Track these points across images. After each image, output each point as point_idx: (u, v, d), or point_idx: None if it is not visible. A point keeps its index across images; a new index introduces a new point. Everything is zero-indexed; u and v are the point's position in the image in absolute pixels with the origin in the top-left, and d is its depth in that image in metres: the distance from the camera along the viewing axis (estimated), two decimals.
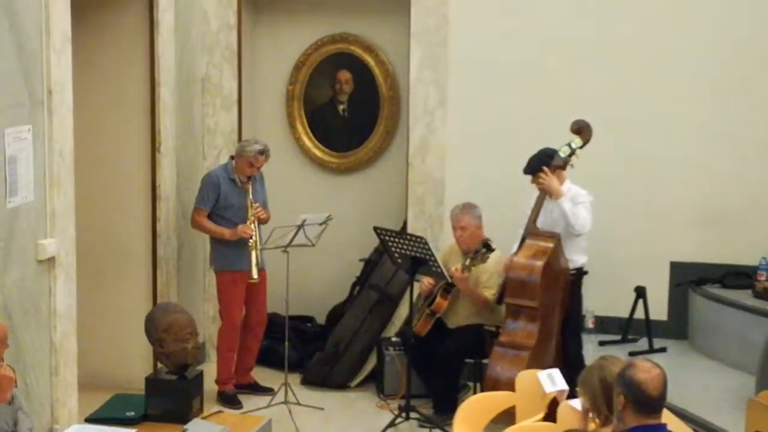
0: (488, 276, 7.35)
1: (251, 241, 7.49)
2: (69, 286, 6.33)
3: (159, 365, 6.09)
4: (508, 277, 7.09)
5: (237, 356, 7.85)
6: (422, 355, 7.40)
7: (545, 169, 7.07)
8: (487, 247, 7.18)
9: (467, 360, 7.48)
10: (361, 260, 8.54)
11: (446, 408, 7.17)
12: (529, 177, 7.18)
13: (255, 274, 7.50)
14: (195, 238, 8.14)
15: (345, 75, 8.82)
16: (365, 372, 8.19)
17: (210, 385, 7.43)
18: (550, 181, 7.06)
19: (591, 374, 4.57)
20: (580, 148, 7.13)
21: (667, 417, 4.36)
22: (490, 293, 7.35)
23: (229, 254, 7.57)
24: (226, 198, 7.55)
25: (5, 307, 5.76)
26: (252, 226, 7.51)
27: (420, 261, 7.21)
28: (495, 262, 7.30)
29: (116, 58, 7.59)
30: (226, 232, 7.52)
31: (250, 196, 7.54)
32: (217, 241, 7.65)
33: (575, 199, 7.07)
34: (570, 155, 7.11)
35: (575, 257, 7.16)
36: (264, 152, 7.52)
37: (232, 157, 7.67)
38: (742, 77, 7.86)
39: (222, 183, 7.54)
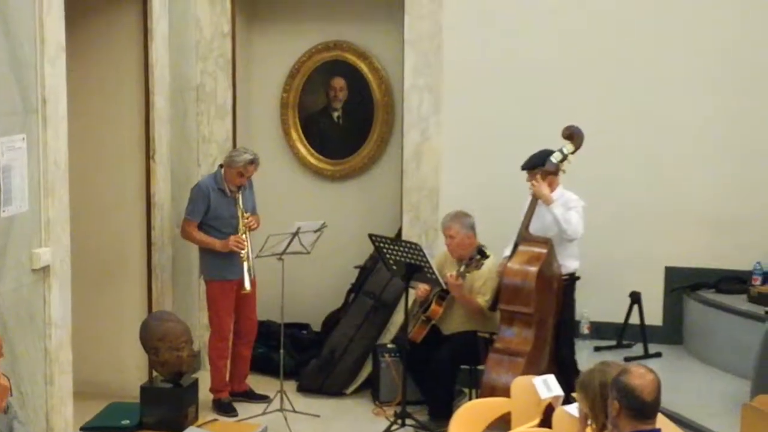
0: (482, 282, 7.35)
1: (243, 253, 7.48)
2: (64, 294, 6.32)
3: (154, 373, 6.09)
4: (503, 284, 7.08)
5: (231, 365, 7.84)
6: (418, 362, 7.40)
7: (537, 177, 7.09)
8: (482, 254, 7.18)
9: (462, 366, 7.48)
10: (356, 267, 8.54)
11: (442, 414, 7.17)
12: (524, 178, 7.20)
13: (248, 286, 7.49)
14: (190, 246, 8.13)
15: (339, 82, 8.83)
16: (361, 379, 8.19)
17: (205, 393, 7.44)
18: (541, 187, 7.07)
19: (591, 379, 4.56)
20: (572, 153, 7.14)
21: (661, 422, 4.36)
22: (483, 299, 7.35)
23: (219, 263, 7.57)
24: (215, 209, 7.53)
25: (0, 316, 5.76)
26: (243, 237, 7.50)
27: (415, 267, 7.21)
28: (489, 268, 7.31)
29: (110, 66, 7.59)
30: (216, 244, 7.52)
31: (241, 206, 7.54)
32: (206, 251, 7.63)
33: (567, 204, 7.08)
34: (562, 161, 7.13)
35: (567, 263, 7.17)
36: (254, 161, 7.52)
37: (221, 166, 7.66)
38: (740, 81, 7.86)
39: (211, 193, 7.52)
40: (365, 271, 8.43)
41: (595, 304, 7.89)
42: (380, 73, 8.70)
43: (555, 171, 7.14)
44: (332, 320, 8.53)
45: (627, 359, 7.43)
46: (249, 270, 7.48)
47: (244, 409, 7.69)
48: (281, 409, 7.48)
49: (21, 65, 5.89)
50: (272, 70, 8.92)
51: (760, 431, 5.46)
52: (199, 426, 5.70)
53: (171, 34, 7.80)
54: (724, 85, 7.89)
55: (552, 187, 7.14)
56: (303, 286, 8.62)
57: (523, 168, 7.22)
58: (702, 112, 7.93)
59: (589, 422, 4.61)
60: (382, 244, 7.39)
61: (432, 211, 8.23)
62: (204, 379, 7.45)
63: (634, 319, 7.85)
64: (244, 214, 7.53)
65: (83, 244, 7.15)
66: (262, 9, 8.92)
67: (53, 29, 6.11)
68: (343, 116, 8.92)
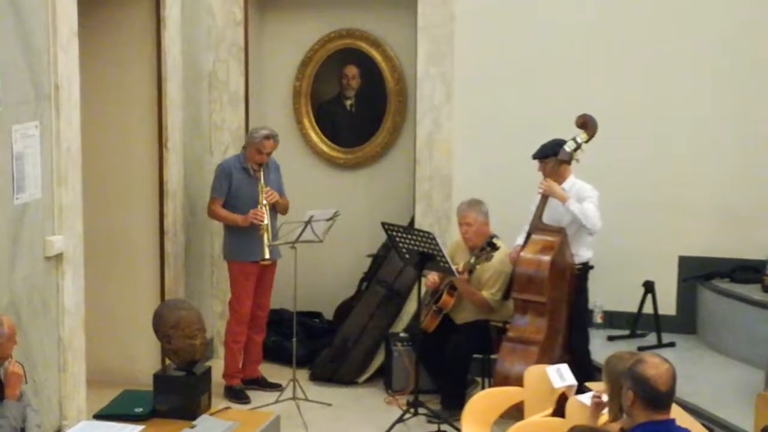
0: (490, 275, 7.33)
1: (262, 225, 7.49)
2: (77, 282, 6.33)
3: (167, 361, 6.08)
4: (516, 273, 7.07)
5: (243, 350, 7.85)
6: (430, 351, 7.39)
7: (546, 179, 7.06)
8: (492, 245, 7.14)
9: (475, 356, 7.47)
10: (368, 256, 8.53)
11: (454, 403, 7.17)
12: (536, 169, 7.18)
13: (267, 254, 7.50)
14: (202, 233, 8.14)
15: (352, 70, 8.81)
16: (373, 368, 8.18)
17: (218, 382, 7.43)
18: (552, 186, 7.04)
19: (610, 364, 4.57)
20: (586, 142, 7.11)
21: (675, 412, 4.35)
22: (489, 293, 7.33)
23: (242, 245, 7.60)
24: (237, 188, 7.60)
25: (13, 304, 5.77)
26: (263, 209, 7.52)
27: (428, 256, 7.19)
28: (499, 260, 7.28)
29: (123, 53, 7.59)
30: (238, 219, 7.57)
31: (262, 181, 7.56)
32: (230, 232, 7.68)
33: (581, 194, 7.05)
34: (575, 150, 7.10)
35: (581, 252, 7.15)
36: (270, 137, 7.53)
37: (245, 147, 7.71)
38: (752, 70, 7.83)
39: (234, 172, 7.60)
40: (378, 260, 8.42)
41: (608, 294, 7.88)
42: (393, 62, 8.68)
43: (568, 160, 7.11)
44: (345, 309, 8.52)
45: (640, 349, 7.41)
46: (269, 240, 7.48)
47: (256, 397, 7.70)
48: (294, 398, 7.48)
49: (33, 52, 5.90)
50: (285, 58, 8.90)
51: None
52: (211, 414, 5.70)
53: (183, 22, 7.80)
54: (739, 74, 7.85)
55: (564, 176, 7.11)
56: (316, 275, 8.61)
57: (534, 157, 7.20)
58: (716, 101, 7.89)
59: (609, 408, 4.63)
60: (394, 233, 7.37)
61: (444, 199, 8.22)
62: (217, 366, 7.45)
63: (648, 309, 7.83)
64: (264, 188, 7.55)
65: (96, 232, 7.16)
66: None
67: (66, 16, 6.11)
68: (356, 104, 8.90)
